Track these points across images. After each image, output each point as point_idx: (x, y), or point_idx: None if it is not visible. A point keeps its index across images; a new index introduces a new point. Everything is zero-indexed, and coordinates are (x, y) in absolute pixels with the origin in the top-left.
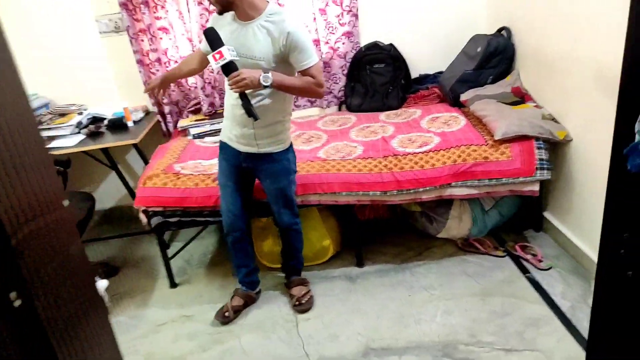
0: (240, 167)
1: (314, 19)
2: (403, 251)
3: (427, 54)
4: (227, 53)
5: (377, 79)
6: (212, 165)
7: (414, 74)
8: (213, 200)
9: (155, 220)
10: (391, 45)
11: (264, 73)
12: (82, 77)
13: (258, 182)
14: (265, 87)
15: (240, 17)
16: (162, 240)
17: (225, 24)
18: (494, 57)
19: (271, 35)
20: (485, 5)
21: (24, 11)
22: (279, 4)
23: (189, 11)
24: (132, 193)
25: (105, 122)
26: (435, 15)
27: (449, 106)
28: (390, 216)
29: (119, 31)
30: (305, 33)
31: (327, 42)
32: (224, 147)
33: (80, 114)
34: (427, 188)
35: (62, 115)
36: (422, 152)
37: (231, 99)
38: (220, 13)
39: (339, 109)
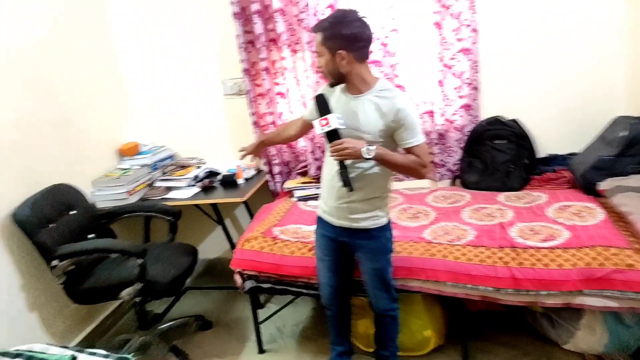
0: (337, 241)
1: (430, 90)
2: (518, 356)
3: (555, 133)
4: (334, 120)
5: (497, 155)
6: (312, 232)
7: (540, 154)
8: (308, 271)
9: (248, 284)
10: (515, 121)
11: (368, 145)
12: (205, 133)
13: None
14: (367, 159)
15: (351, 90)
16: (254, 304)
17: (335, 95)
18: (638, 144)
19: (380, 110)
20: (625, 84)
21: (160, 67)
22: (394, 76)
23: (306, 78)
24: (234, 248)
25: (219, 177)
26: (567, 92)
27: (582, 194)
28: (506, 310)
29: (240, 94)
30: (414, 112)
31: (442, 114)
32: (320, 220)
33: (199, 167)
34: (552, 292)
35: (183, 167)
36: (547, 248)
37: (330, 169)
38: (332, 85)
39: (453, 184)
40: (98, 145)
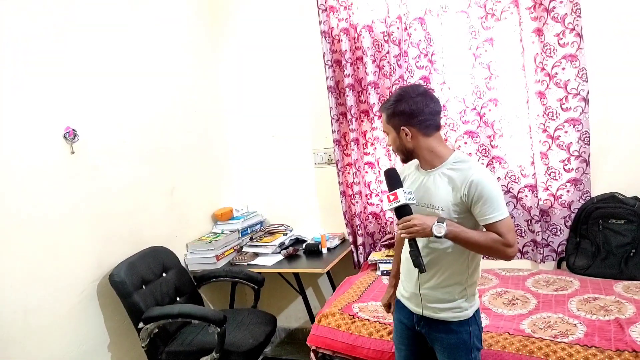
0: (414, 330)
1: (532, 162)
2: None
3: None
4: (402, 195)
5: (613, 238)
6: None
7: None
8: (387, 356)
9: None
10: (635, 198)
11: (438, 222)
12: (294, 201)
13: None
14: (437, 237)
15: (424, 165)
16: None
17: (410, 173)
18: None
19: (453, 183)
20: None
21: (258, 137)
22: (492, 147)
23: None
24: (313, 320)
25: (303, 245)
26: None
27: None
28: None
29: (330, 163)
30: (493, 183)
31: (546, 189)
32: (398, 304)
33: (285, 234)
34: None
35: (271, 233)
36: None
37: (405, 251)
38: (404, 161)
39: (558, 267)
40: (196, 210)
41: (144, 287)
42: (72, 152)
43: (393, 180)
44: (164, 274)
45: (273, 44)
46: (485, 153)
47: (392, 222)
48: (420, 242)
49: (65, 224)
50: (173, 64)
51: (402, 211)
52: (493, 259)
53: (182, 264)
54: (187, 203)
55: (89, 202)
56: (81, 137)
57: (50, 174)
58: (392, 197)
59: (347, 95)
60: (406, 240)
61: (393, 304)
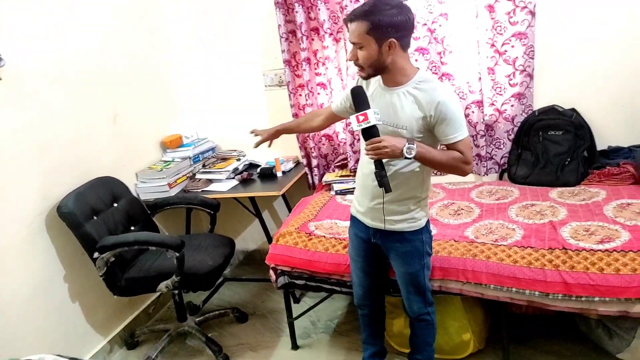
0: (370, 242)
1: (479, 78)
2: None
3: (619, 123)
4: (373, 116)
5: (551, 147)
6: (347, 228)
7: (601, 146)
8: (342, 268)
9: (281, 280)
10: (573, 110)
11: (408, 143)
12: (245, 125)
13: None
14: (407, 158)
15: (387, 83)
16: (288, 300)
17: (370, 88)
18: None
19: (418, 102)
20: None
21: (203, 60)
22: (442, 64)
23: (347, 68)
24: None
25: (258, 170)
26: (633, 78)
27: None
28: (554, 314)
29: (281, 85)
30: (457, 104)
31: (492, 104)
32: (354, 219)
33: (239, 160)
34: (607, 299)
35: (224, 159)
36: (603, 251)
37: (364, 168)
38: (367, 78)
39: (500, 178)
40: (143, 138)
41: (95, 217)
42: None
43: (361, 99)
44: (115, 204)
45: None
46: (435, 70)
47: (344, 143)
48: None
49: (3, 157)
50: None
51: (370, 132)
52: (443, 174)
53: (134, 193)
54: (133, 131)
55: (26, 132)
56: (7, 61)
57: None
58: (361, 118)
59: (296, 11)
60: (367, 159)
61: (269, 141)
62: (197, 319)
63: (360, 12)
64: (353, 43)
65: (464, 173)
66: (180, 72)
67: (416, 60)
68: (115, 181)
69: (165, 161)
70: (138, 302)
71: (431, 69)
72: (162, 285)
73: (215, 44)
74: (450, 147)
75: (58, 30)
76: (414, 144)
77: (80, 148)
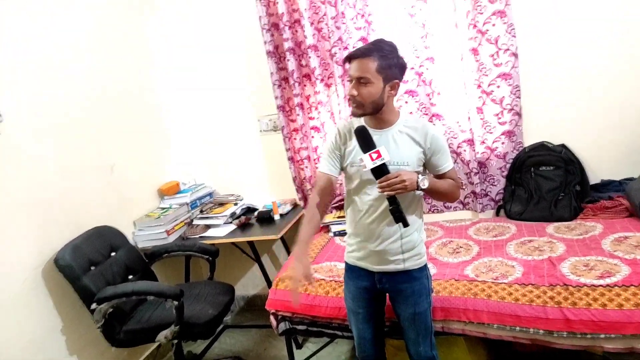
0: (374, 289)
1: (469, 118)
2: None
3: (609, 157)
4: (385, 153)
5: (543, 183)
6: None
7: (594, 180)
8: (343, 312)
9: (282, 326)
10: (562, 146)
11: (421, 175)
12: (242, 170)
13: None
14: (421, 189)
15: (378, 125)
16: (289, 345)
17: (351, 137)
18: None
19: (413, 139)
20: None
21: (198, 107)
22: (431, 105)
23: (339, 112)
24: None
25: (255, 214)
26: (619, 113)
27: None
28: (559, 351)
29: (276, 130)
30: (443, 137)
31: (483, 142)
32: (352, 269)
33: (236, 204)
34: (612, 336)
35: (221, 204)
36: (604, 286)
37: (358, 210)
38: (360, 116)
39: (497, 215)
40: (140, 185)
41: (92, 268)
42: None
43: (368, 139)
44: (113, 254)
45: (205, 12)
46: (426, 111)
47: (341, 184)
48: (380, 197)
49: None
50: (98, 35)
51: (382, 169)
52: (444, 205)
53: (131, 241)
54: (129, 179)
55: (19, 186)
56: (5, 116)
57: None
58: (375, 156)
59: (288, 60)
60: (361, 202)
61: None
62: None
63: (371, 50)
64: (358, 78)
65: (457, 198)
66: (175, 119)
67: (406, 102)
68: (113, 231)
69: (163, 208)
70: (137, 354)
71: (421, 110)
72: (162, 336)
73: (210, 91)
74: (442, 176)
75: (48, 83)
76: (425, 175)
77: (76, 199)
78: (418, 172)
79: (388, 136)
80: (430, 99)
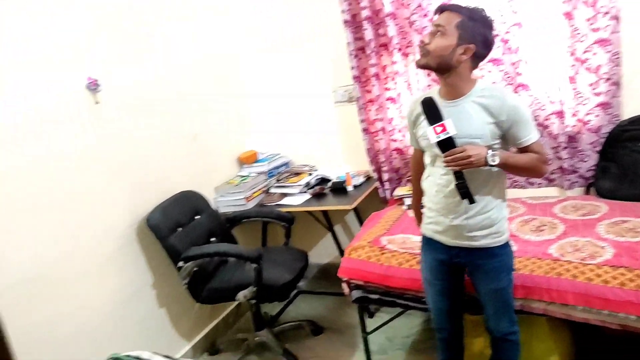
0: (451, 263)
1: (559, 88)
2: None
3: None
4: (451, 126)
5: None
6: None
7: None
8: (418, 284)
9: (355, 294)
10: None
11: (491, 150)
12: (317, 141)
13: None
14: (491, 166)
15: (449, 95)
16: (361, 314)
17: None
18: None
19: (488, 110)
20: None
21: (276, 78)
22: (517, 74)
23: (417, 82)
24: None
25: (329, 184)
26: None
27: None
28: None
29: (351, 101)
30: (525, 106)
31: (574, 114)
32: (429, 241)
33: (310, 174)
34: None
35: (297, 174)
36: None
37: (437, 183)
38: (422, 67)
39: (587, 192)
40: (221, 154)
41: (178, 229)
42: (97, 103)
43: (435, 110)
44: (196, 217)
45: None
46: (510, 81)
47: None
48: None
49: (97, 174)
50: (187, 9)
51: (449, 143)
52: (526, 180)
53: (213, 207)
54: (212, 148)
55: (117, 151)
56: (104, 87)
57: (77, 125)
58: (439, 129)
59: (365, 29)
60: (438, 174)
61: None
62: (274, 330)
63: (462, 7)
64: (436, 25)
65: (542, 174)
66: (254, 91)
67: (489, 71)
68: (197, 195)
69: (242, 176)
70: (218, 311)
71: (505, 80)
72: (241, 295)
73: (287, 62)
74: (524, 149)
75: (142, 57)
76: (497, 151)
77: (165, 165)
78: (490, 147)
79: (460, 108)
80: (515, 68)
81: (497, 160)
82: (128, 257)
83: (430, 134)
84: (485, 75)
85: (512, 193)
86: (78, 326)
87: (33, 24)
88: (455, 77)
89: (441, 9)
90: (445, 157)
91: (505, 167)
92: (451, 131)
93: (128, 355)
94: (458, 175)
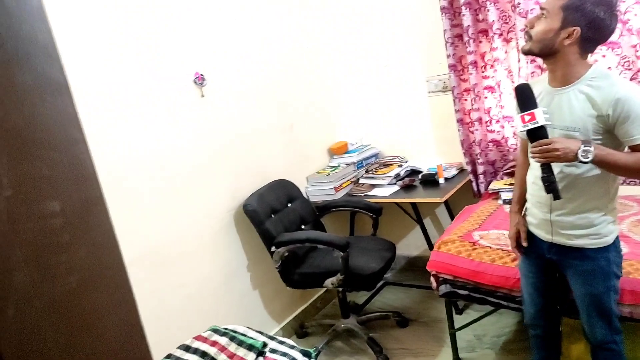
0: (544, 257)
1: None
2: None
3: None
4: (541, 116)
5: None
6: None
7: None
8: (511, 282)
9: (443, 289)
10: None
11: (584, 145)
12: (408, 132)
13: None
14: (583, 162)
15: (555, 82)
16: (449, 309)
17: (542, 89)
18: None
19: (592, 100)
20: None
21: (368, 68)
22: (638, 58)
23: (519, 70)
24: (432, 248)
25: (420, 176)
26: None
27: None
28: None
29: (445, 91)
30: None
31: None
32: (527, 233)
33: (400, 166)
34: None
35: (386, 165)
36: None
37: (533, 175)
38: (527, 53)
39: None
40: (313, 144)
41: (273, 215)
42: (202, 96)
43: (526, 98)
44: (290, 204)
45: None
46: (629, 66)
47: (515, 149)
48: (555, 166)
49: (202, 162)
50: (281, 2)
51: (538, 133)
52: (638, 182)
53: (304, 195)
54: (305, 138)
55: (219, 141)
56: (209, 81)
57: (186, 117)
58: (527, 118)
59: (464, 15)
60: (536, 164)
61: (522, 231)
62: (360, 318)
63: None
64: (542, 8)
65: None
66: (345, 83)
67: (604, 56)
68: (290, 184)
69: (332, 166)
70: (307, 296)
71: (623, 65)
72: (329, 282)
73: (379, 53)
74: (635, 148)
75: (244, 54)
76: (590, 146)
77: (262, 153)
78: (585, 142)
79: (563, 96)
80: (636, 52)
81: (589, 157)
82: (227, 240)
83: (517, 123)
84: (599, 60)
85: (624, 190)
86: (184, 299)
87: (154, 24)
88: (561, 62)
89: None
90: (532, 147)
91: (603, 165)
92: (540, 120)
93: (226, 328)
94: (544, 167)
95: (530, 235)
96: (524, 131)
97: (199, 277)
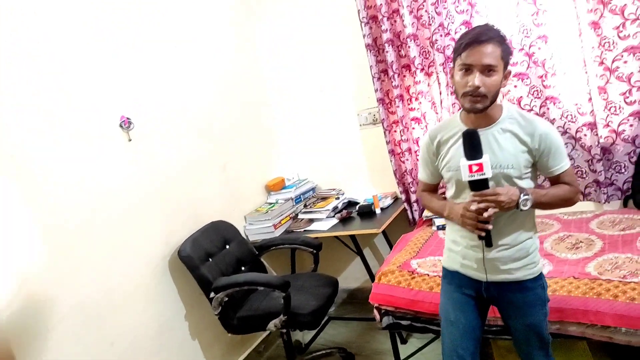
0: (480, 297)
1: (589, 99)
2: None
3: None
4: (488, 168)
5: None
6: None
7: None
8: None
9: (386, 321)
10: None
11: (523, 195)
12: (343, 164)
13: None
14: (523, 210)
15: (478, 123)
16: (394, 341)
17: (448, 137)
18: None
19: (518, 137)
20: None
21: (300, 104)
22: (545, 87)
23: (441, 102)
24: (373, 278)
25: (357, 207)
26: None
27: None
28: None
29: (375, 123)
30: (557, 133)
31: (607, 125)
32: (453, 274)
33: (338, 198)
34: None
35: (324, 199)
36: None
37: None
38: (482, 111)
39: (624, 206)
40: (249, 182)
41: (209, 259)
42: (130, 140)
43: (476, 145)
44: (227, 246)
45: (307, 8)
46: (537, 94)
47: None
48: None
49: (132, 208)
50: (212, 41)
51: (482, 183)
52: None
53: (242, 234)
54: (240, 176)
55: (150, 185)
56: (136, 124)
57: (112, 162)
58: (475, 168)
59: (387, 51)
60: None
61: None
62: (305, 359)
63: (496, 34)
64: (487, 66)
65: (574, 203)
66: (279, 118)
67: (515, 86)
68: (226, 225)
69: (270, 203)
70: (250, 340)
71: (532, 94)
72: (272, 324)
73: (311, 88)
74: (555, 178)
75: (170, 93)
76: (528, 195)
77: (195, 195)
78: (523, 191)
79: (489, 136)
80: (543, 81)
81: (528, 205)
82: (162, 288)
83: (463, 170)
84: (511, 90)
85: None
86: (118, 355)
87: (76, 69)
88: (494, 105)
89: (475, 42)
90: (474, 196)
91: (538, 205)
92: (487, 173)
93: None
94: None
95: (458, 276)
96: (469, 180)
97: (132, 330)
